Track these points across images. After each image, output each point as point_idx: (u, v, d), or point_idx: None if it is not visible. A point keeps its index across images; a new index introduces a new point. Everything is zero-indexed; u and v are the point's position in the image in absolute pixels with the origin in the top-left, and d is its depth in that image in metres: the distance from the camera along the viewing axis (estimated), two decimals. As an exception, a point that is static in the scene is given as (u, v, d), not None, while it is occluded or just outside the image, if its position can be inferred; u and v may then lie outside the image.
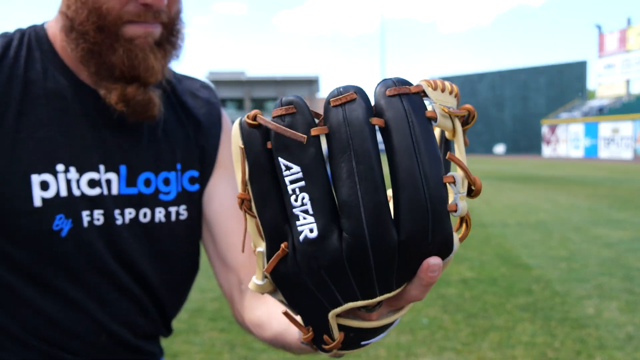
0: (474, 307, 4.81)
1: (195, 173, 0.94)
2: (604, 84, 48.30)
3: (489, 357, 3.74)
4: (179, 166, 0.92)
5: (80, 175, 0.81)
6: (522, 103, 56.72)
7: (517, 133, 56.27)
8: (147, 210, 0.88)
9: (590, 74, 53.01)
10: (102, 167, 0.83)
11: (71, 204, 0.80)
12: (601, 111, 46.80)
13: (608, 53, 47.14)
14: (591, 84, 62.06)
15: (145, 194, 0.88)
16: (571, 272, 6.06)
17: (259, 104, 76.02)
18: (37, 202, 0.76)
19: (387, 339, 4.03)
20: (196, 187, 0.94)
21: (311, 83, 73.49)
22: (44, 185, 0.76)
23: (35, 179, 0.76)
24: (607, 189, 15.74)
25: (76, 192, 0.80)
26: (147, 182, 0.88)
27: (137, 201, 0.87)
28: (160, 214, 0.90)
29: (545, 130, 50.02)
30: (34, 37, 0.82)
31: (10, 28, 0.83)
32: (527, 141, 55.15)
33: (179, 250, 0.94)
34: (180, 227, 0.93)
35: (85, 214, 0.81)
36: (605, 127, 42.82)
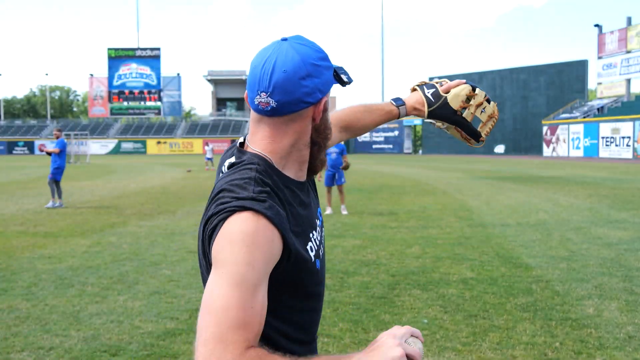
0: (474, 307, 4.80)
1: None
2: (604, 84, 48.33)
3: (489, 357, 3.74)
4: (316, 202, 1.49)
5: (315, 232, 1.35)
6: (522, 103, 56.60)
7: (517, 133, 56.16)
8: (323, 232, 1.45)
9: (590, 74, 52.81)
10: (317, 221, 1.40)
11: (319, 250, 1.35)
12: (601, 111, 46.83)
13: (608, 53, 47.16)
14: (591, 84, 62.02)
15: (322, 222, 1.45)
16: (571, 272, 6.06)
17: (259, 103, 75.41)
18: (309, 257, 1.29)
19: (387, 339, 4.03)
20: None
21: (311, 83, 73.10)
22: (311, 248, 1.30)
23: (309, 245, 1.30)
24: (607, 189, 15.75)
25: (317, 243, 1.35)
26: (318, 215, 1.44)
27: (322, 228, 1.44)
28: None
29: (545, 130, 50.04)
30: (272, 171, 1.28)
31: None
32: (527, 141, 55.02)
33: None
34: None
35: (321, 252, 1.37)
36: (605, 127, 42.85)
